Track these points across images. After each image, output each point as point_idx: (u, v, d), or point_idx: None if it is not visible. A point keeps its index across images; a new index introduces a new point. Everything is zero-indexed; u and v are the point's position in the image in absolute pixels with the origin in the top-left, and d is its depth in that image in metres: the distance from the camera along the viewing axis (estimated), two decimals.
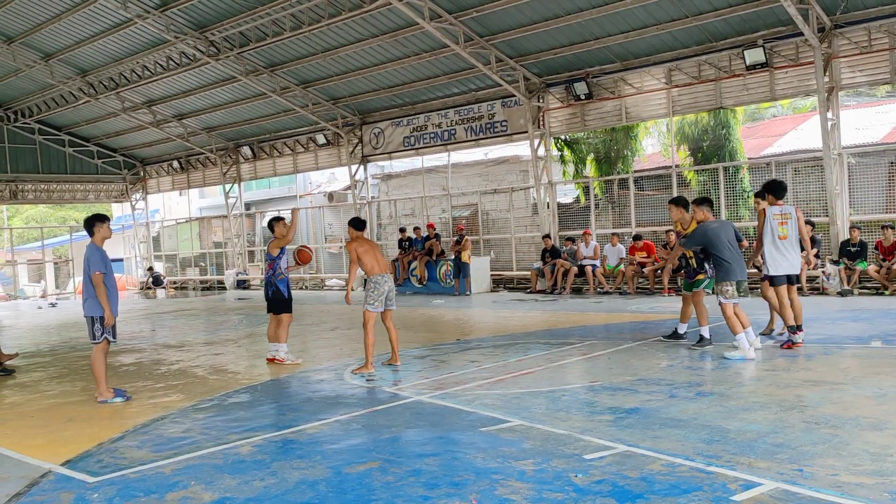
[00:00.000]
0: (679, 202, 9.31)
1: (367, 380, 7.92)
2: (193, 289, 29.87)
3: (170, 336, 13.40)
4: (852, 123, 18.22)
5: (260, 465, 5.03)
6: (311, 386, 7.86)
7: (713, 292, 8.70)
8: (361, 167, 23.55)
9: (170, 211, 37.14)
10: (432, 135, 21.19)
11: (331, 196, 28.16)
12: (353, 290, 8.61)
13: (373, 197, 24.74)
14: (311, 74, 20.99)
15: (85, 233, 7.63)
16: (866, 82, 15.10)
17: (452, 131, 20.70)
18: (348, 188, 24.98)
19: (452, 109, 20.60)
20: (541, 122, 19.00)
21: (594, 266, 17.33)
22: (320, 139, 23.82)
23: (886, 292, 13.55)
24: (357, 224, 8.72)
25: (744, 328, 8.12)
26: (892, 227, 13.87)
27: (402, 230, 21.46)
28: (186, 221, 32.62)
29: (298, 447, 5.43)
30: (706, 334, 8.87)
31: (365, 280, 8.51)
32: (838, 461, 4.45)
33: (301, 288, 25.77)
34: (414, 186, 24.48)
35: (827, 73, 14.43)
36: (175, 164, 29.22)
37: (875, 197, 15.38)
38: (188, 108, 24.86)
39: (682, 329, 9.42)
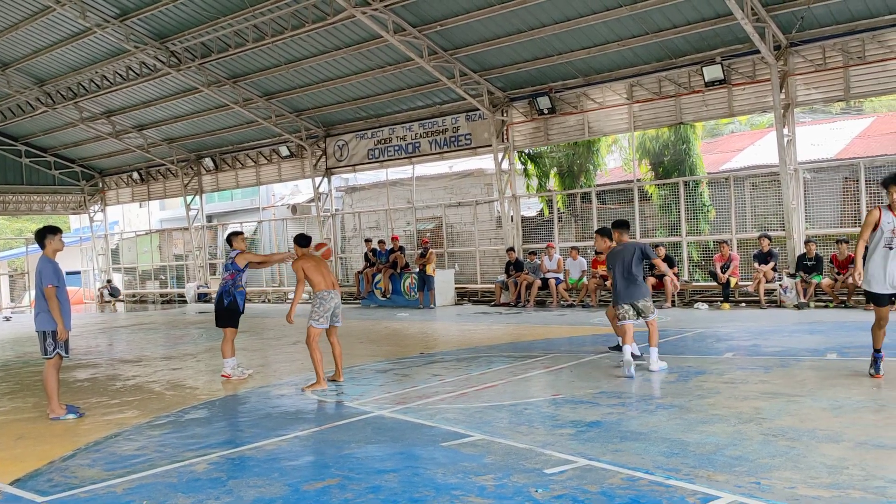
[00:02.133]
0: (603, 233, 9.11)
1: (330, 394, 7.83)
2: (153, 302, 29.37)
3: (127, 351, 13.13)
4: (808, 139, 18.63)
5: (216, 483, 4.93)
6: (271, 401, 7.74)
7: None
8: (325, 179, 23.43)
9: (129, 223, 36.54)
10: (397, 147, 21.18)
11: (294, 208, 27.97)
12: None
13: (337, 209, 24.61)
14: (274, 86, 20.86)
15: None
16: (821, 99, 15.45)
17: (417, 144, 20.71)
18: (312, 200, 24.83)
19: (417, 122, 20.62)
20: (505, 136, 19.10)
21: (557, 279, 17.42)
22: (284, 151, 23.66)
23: (849, 303, 13.80)
24: (301, 241, 8.61)
25: (627, 344, 8.19)
26: (847, 242, 14.17)
27: (368, 241, 21.38)
28: (146, 234, 32.12)
29: (256, 464, 5.33)
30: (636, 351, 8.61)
31: (311, 296, 8.41)
32: (795, 474, 4.49)
33: (263, 301, 25.50)
34: (378, 199, 24.42)
35: (783, 91, 14.73)
36: (135, 175, 28.80)
37: (830, 211, 15.72)
38: (149, 118, 24.53)
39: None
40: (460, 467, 4.95)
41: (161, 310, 24.77)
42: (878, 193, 14.93)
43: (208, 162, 26.08)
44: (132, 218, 37.01)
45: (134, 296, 30.91)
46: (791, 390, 6.89)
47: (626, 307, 8.39)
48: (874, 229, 7.06)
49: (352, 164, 22.56)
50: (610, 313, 9.16)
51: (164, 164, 27.32)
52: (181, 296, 27.92)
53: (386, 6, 15.75)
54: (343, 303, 8.77)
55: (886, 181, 6.67)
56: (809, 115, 23.78)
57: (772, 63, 14.42)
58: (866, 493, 4.12)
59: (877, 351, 7.17)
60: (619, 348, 9.20)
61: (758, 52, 14.32)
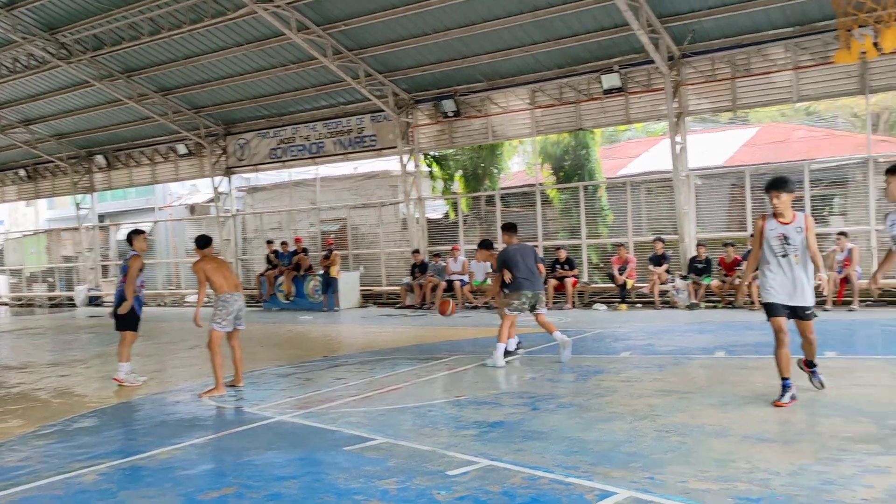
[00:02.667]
0: (484, 245, 9.98)
1: (230, 399, 7.62)
2: (40, 306, 27.85)
3: (11, 357, 12.40)
4: (699, 147, 19.46)
5: (105, 494, 4.71)
6: (166, 408, 7.47)
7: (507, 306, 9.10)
8: (225, 179, 22.83)
9: (16, 223, 34.57)
10: (300, 147, 20.87)
11: (192, 208, 27.13)
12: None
13: (237, 210, 24.02)
14: (171, 82, 20.18)
15: None
16: (710, 109, 16.19)
17: (321, 144, 20.47)
18: (211, 200, 24.14)
19: (321, 122, 20.38)
20: (410, 138, 19.12)
21: (462, 281, 17.56)
22: (181, 149, 22.91)
23: (736, 304, 14.49)
24: (201, 242, 8.37)
25: (505, 340, 8.90)
26: (733, 245, 14.89)
27: (269, 242, 20.96)
28: (34, 234, 30.43)
29: (148, 474, 5.13)
30: (510, 347, 9.21)
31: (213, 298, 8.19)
32: (686, 468, 4.67)
33: (159, 305, 24.61)
34: (281, 199, 23.98)
35: (676, 100, 15.35)
36: (21, 172, 27.24)
37: (718, 216, 16.50)
38: (36, 113, 23.26)
39: (511, 346, 9.38)
40: (363, 472, 4.91)
41: (49, 314, 23.53)
42: (762, 199, 15.78)
43: (100, 159, 24.94)
44: (18, 217, 35.04)
45: (20, 299, 29.23)
46: (683, 388, 7.17)
47: (529, 297, 8.96)
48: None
49: (253, 164, 22.08)
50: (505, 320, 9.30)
51: (52, 161, 25.96)
52: (70, 299, 26.60)
53: (289, 4, 15.49)
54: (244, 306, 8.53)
55: (768, 186, 6.45)
56: (700, 124, 24.87)
57: (666, 73, 15.00)
58: (751, 484, 4.32)
59: (785, 379, 6.33)
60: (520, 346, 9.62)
61: (653, 62, 14.87)
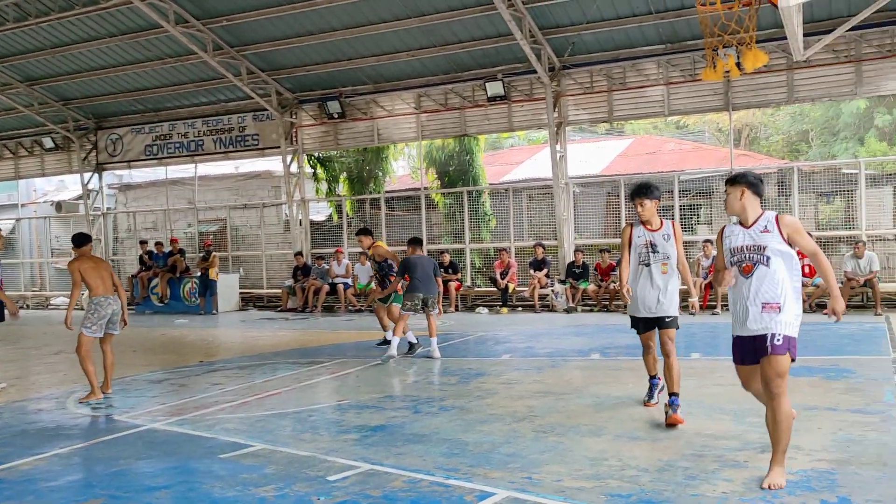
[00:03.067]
0: (364, 232, 10.92)
1: (94, 407, 7.23)
2: None
3: None
4: (577, 156, 20.16)
5: None
6: (27, 417, 7.02)
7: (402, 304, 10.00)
8: (96, 175, 21.71)
9: None
10: (177, 145, 20.12)
11: (59, 206, 25.55)
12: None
13: (108, 208, 22.87)
14: (37, 71, 19.00)
15: None
16: (588, 120, 16.82)
17: (200, 142, 19.81)
18: (80, 198, 22.86)
19: (200, 119, 19.73)
20: (294, 138, 18.81)
21: (346, 284, 17.42)
22: (48, 143, 21.63)
23: (611, 307, 15.07)
24: (77, 240, 7.99)
25: (403, 334, 9.79)
26: (609, 251, 15.51)
27: (143, 243, 20.09)
28: None
29: (7, 487, 4.79)
30: (412, 339, 10.08)
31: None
32: (562, 467, 4.82)
33: (22, 307, 23.07)
34: (156, 198, 23.01)
35: (556, 110, 15.84)
36: None
37: (595, 223, 17.14)
38: None
39: (389, 336, 10.24)
40: (239, 479, 4.78)
41: None
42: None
43: None
44: None
45: None
46: (560, 389, 7.39)
47: (421, 299, 9.71)
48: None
49: (126, 160, 21.11)
50: (385, 311, 10.50)
51: None
52: None
53: None
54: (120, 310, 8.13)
55: (632, 193, 6.19)
56: (579, 134, 25.78)
57: (547, 83, 15.45)
58: (622, 481, 4.51)
59: (652, 377, 6.54)
60: (387, 343, 10.26)
61: (535, 71, 15.28)
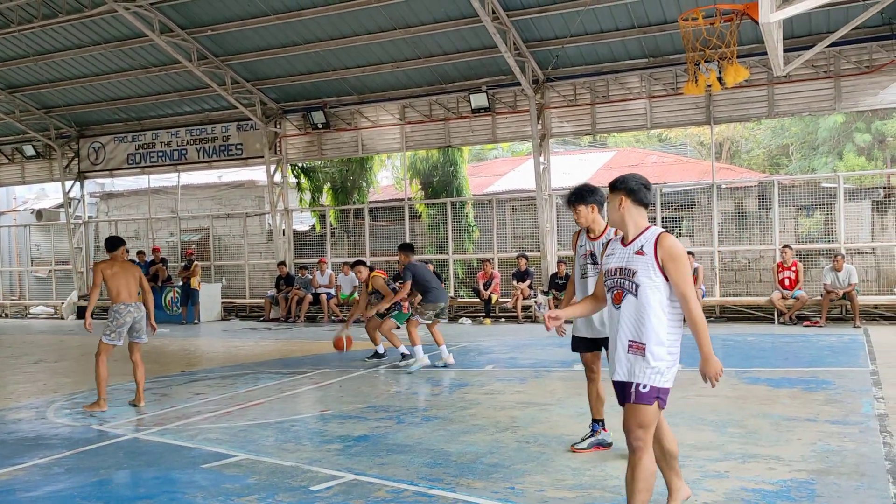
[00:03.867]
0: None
1: (74, 417, 7.17)
2: None
3: None
4: (561, 168, 20.27)
5: None
6: (6, 426, 6.94)
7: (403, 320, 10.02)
8: (77, 184, 21.55)
9: None
10: (160, 153, 20.04)
11: (39, 214, 25.33)
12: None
13: (90, 217, 22.70)
14: (19, 79, 18.88)
15: None
16: (572, 132, 16.93)
17: (183, 151, 19.74)
18: (61, 206, 22.69)
19: (184, 128, 19.67)
20: (278, 148, 18.79)
21: (329, 295, 17.38)
22: (29, 151, 21.44)
23: None
24: (110, 244, 7.82)
25: (419, 342, 9.53)
26: None
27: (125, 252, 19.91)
28: None
29: None
30: (405, 350, 9.84)
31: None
32: (545, 477, 4.84)
33: (1, 315, 22.85)
34: (139, 207, 22.89)
35: (540, 122, 15.94)
36: None
37: None
38: None
39: (381, 349, 10.44)
40: (222, 489, 4.76)
41: None
42: None
43: None
44: None
45: None
46: (543, 399, 7.42)
47: (443, 307, 9.83)
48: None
49: (109, 169, 20.98)
50: (379, 326, 10.03)
51: None
52: None
53: (152, 4, 14.90)
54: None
55: (569, 199, 5.38)
56: (562, 146, 25.93)
57: (531, 95, 15.55)
58: (604, 491, 4.54)
59: (595, 421, 5.51)
60: (378, 356, 10.37)
61: (519, 84, 15.38)
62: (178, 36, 15.86)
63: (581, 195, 5.29)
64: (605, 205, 4.13)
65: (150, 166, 20.37)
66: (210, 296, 18.70)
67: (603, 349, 5.29)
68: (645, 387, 3.60)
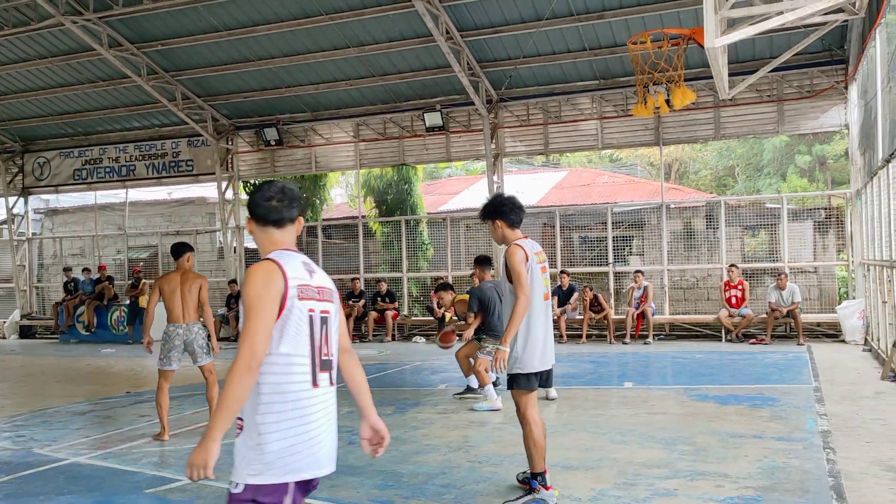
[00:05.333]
0: (445, 287, 9.15)
1: (14, 441, 6.92)
2: None
3: None
4: (514, 187, 20.43)
5: None
6: None
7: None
8: (21, 199, 20.98)
9: None
10: (108, 169, 19.64)
11: None
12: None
13: (34, 233, 22.09)
14: None
15: None
16: (525, 152, 17.10)
17: (132, 167, 19.38)
18: (4, 223, 22.04)
19: (133, 144, 19.32)
20: (229, 165, 18.58)
21: None
22: None
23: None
24: (175, 250, 7.24)
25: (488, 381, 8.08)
26: None
27: (68, 270, 19.46)
28: None
29: None
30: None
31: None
32: (497, 498, 4.83)
33: None
34: (84, 224, 22.34)
35: (493, 141, 16.06)
36: None
37: None
38: None
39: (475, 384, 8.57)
40: None
41: None
42: (570, 238, 16.82)
43: None
44: None
45: None
46: (495, 418, 7.42)
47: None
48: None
49: (54, 185, 20.48)
50: (473, 355, 8.45)
51: None
52: None
53: (100, 18, 14.64)
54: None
55: (482, 215, 5.10)
56: (516, 165, 26.16)
57: (484, 115, 15.68)
58: None
59: (535, 476, 4.78)
60: (472, 390, 8.53)
61: (472, 103, 15.50)
62: (128, 50, 15.62)
63: (484, 211, 5.10)
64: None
65: (97, 182, 19.94)
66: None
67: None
68: None
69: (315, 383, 2.75)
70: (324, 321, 2.81)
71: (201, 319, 7.16)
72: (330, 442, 2.82)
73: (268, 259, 2.77)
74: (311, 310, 2.76)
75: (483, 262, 8.76)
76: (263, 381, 2.69)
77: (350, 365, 3.04)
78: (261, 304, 2.67)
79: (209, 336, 7.21)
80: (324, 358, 2.80)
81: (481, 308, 8.30)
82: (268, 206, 2.91)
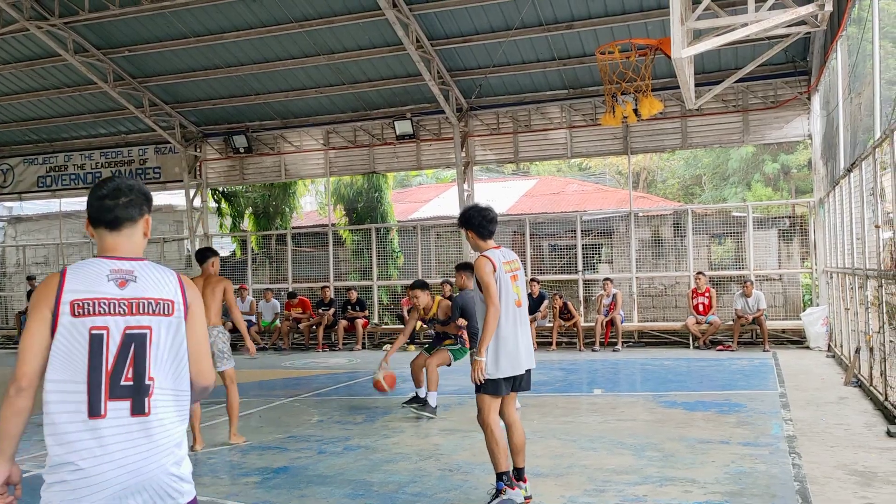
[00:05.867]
0: (466, 267, 8.31)
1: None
2: None
3: None
4: (484, 195, 20.50)
5: None
6: None
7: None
8: None
9: None
10: (73, 177, 19.35)
11: None
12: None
13: None
14: None
15: None
16: (495, 160, 17.18)
17: (97, 174, 19.10)
18: None
19: (99, 151, 19.07)
20: (198, 172, 18.41)
21: (250, 322, 16.99)
22: None
23: None
24: (199, 256, 7.10)
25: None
26: None
27: (31, 278, 19.10)
28: None
29: None
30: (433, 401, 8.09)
31: None
32: None
33: None
34: (49, 232, 21.99)
35: (464, 149, 16.12)
36: None
37: None
38: None
39: (423, 393, 8.27)
40: None
41: None
42: (540, 246, 16.92)
43: None
44: None
45: None
46: (466, 426, 7.41)
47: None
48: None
49: (17, 192, 20.10)
50: (427, 361, 8.21)
51: None
52: None
53: (66, 23, 14.46)
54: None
55: (459, 222, 5.36)
56: (486, 174, 26.27)
57: (455, 123, 15.73)
58: None
59: (500, 476, 4.81)
60: (419, 400, 8.23)
61: (443, 112, 15.54)
62: (94, 56, 15.42)
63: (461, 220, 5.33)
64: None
65: (62, 189, 19.63)
66: None
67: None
68: None
69: (94, 413, 2.31)
70: (132, 339, 2.36)
71: (224, 322, 6.93)
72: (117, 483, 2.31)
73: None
74: (95, 327, 2.33)
75: (467, 267, 8.14)
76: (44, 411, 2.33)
77: (197, 398, 2.63)
78: (29, 318, 2.36)
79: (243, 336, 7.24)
80: (123, 383, 2.34)
81: (464, 316, 8.02)
82: (99, 206, 2.50)
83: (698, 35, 8.67)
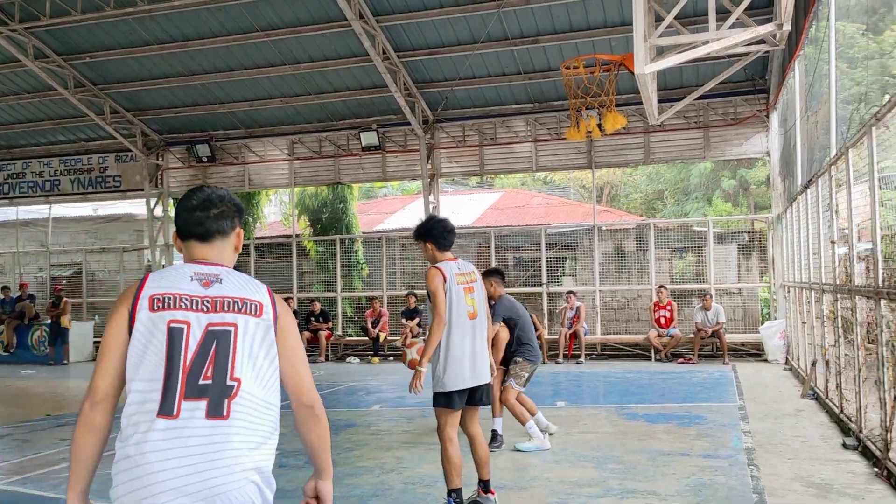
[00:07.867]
0: (495, 273, 7.53)
1: None
2: None
3: None
4: (450, 207, 20.55)
5: None
6: None
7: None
8: None
9: None
10: (31, 184, 18.97)
11: None
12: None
13: None
14: None
15: None
16: (461, 172, 17.23)
17: (56, 182, 18.76)
18: None
19: (57, 158, 18.72)
20: (159, 181, 18.16)
21: None
22: None
23: None
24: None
25: (532, 415, 7.01)
26: None
27: None
28: None
29: None
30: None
31: None
32: None
33: None
34: (5, 240, 21.49)
35: (430, 161, 16.15)
36: None
37: None
38: None
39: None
40: None
41: None
42: (505, 259, 16.98)
43: None
44: None
45: None
46: (430, 439, 7.38)
47: (534, 371, 7.18)
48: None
49: None
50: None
51: None
52: None
53: (26, 28, 14.21)
54: None
55: (415, 235, 5.29)
56: (452, 186, 26.34)
57: (421, 135, 15.76)
58: None
59: (450, 493, 4.80)
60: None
61: (409, 123, 15.56)
62: (54, 62, 15.18)
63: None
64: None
65: (19, 197, 19.23)
66: (81, 335, 17.65)
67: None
68: None
69: (166, 412, 2.14)
70: (214, 336, 2.20)
71: None
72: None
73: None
74: (175, 321, 2.17)
75: (494, 273, 7.37)
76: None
77: (304, 423, 2.56)
78: (107, 322, 2.26)
79: None
80: (201, 382, 2.17)
81: (507, 324, 7.15)
82: (188, 217, 2.40)
83: (661, 52, 8.82)
